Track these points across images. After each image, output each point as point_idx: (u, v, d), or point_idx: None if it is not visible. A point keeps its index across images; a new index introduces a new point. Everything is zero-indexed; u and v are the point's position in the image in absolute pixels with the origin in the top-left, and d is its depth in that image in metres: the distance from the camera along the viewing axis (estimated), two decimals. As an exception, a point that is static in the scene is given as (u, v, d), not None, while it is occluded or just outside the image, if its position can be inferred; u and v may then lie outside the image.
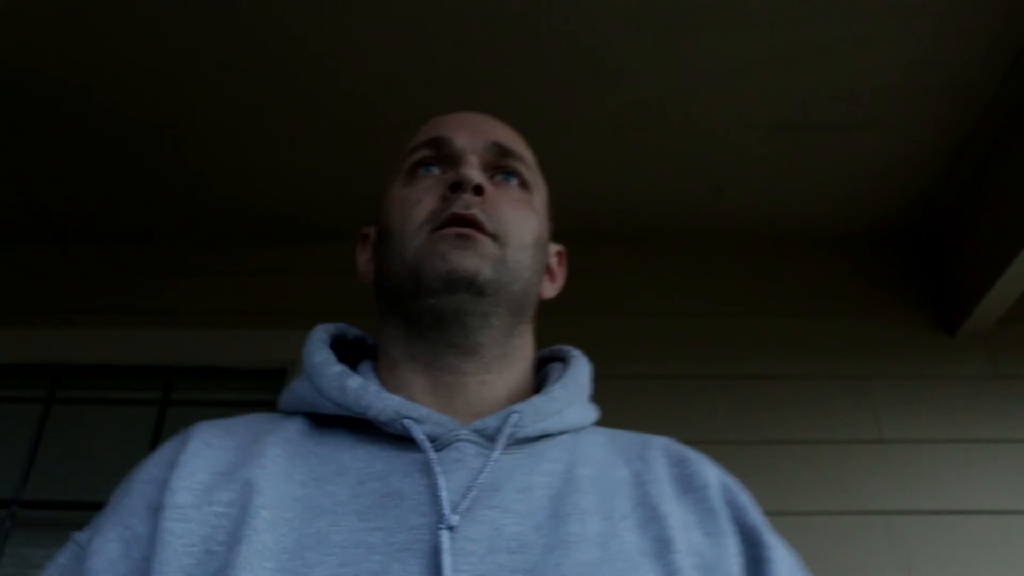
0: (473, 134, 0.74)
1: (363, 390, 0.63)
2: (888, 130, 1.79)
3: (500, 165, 0.74)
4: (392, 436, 0.61)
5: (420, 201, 0.70)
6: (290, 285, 2.12)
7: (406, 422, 0.60)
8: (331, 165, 1.97)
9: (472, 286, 0.65)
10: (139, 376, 2.06)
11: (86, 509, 1.90)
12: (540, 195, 0.77)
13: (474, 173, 0.69)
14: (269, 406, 2.44)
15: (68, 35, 1.64)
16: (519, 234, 0.70)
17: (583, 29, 1.58)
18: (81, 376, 2.09)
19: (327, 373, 0.67)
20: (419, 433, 0.60)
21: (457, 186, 0.69)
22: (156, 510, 0.56)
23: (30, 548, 1.88)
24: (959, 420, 1.80)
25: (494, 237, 0.68)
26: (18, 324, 2.10)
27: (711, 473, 0.66)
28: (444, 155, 0.73)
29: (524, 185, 0.75)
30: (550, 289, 0.78)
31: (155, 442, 1.97)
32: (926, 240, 2.08)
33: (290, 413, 0.70)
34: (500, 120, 0.79)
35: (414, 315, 0.68)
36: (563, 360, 0.74)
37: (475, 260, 0.66)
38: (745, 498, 0.65)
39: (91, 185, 2.06)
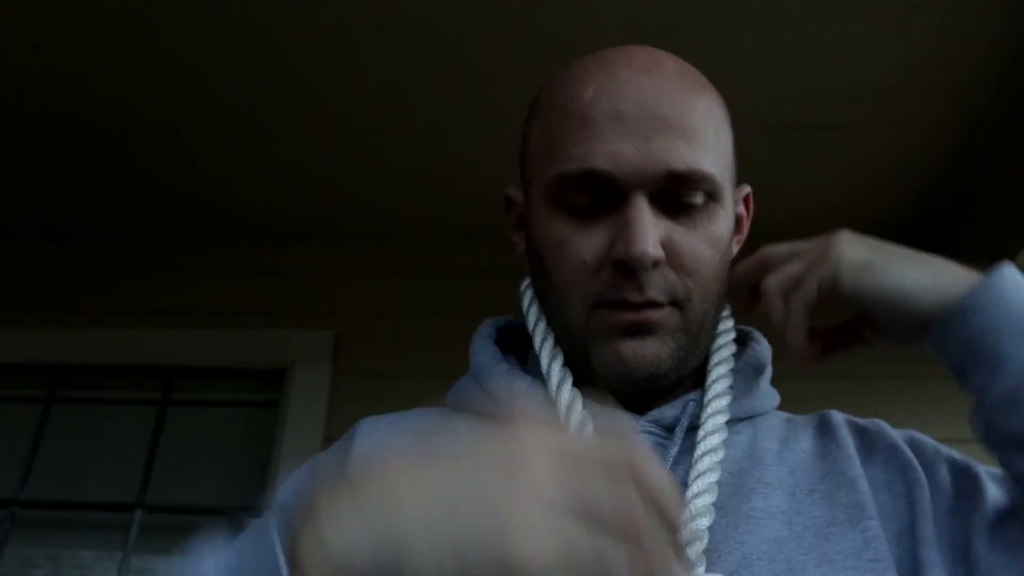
0: (641, 160, 0.58)
1: (533, 389, 0.61)
2: (888, 130, 1.79)
3: (680, 195, 0.60)
4: None
5: (584, 263, 0.59)
6: (290, 285, 2.12)
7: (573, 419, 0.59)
8: (331, 165, 1.97)
9: (652, 380, 0.60)
10: (139, 376, 2.06)
11: (86, 509, 1.91)
12: (727, 176, 0.64)
13: (647, 251, 0.57)
14: (269, 406, 2.44)
15: (68, 33, 1.64)
16: (702, 281, 0.61)
17: (583, 29, 1.58)
18: (81, 376, 2.09)
19: (494, 372, 0.64)
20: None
21: (625, 267, 0.58)
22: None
23: (30, 548, 1.88)
24: (959, 420, 1.79)
25: (672, 303, 0.60)
26: (18, 324, 2.10)
27: (895, 433, 0.65)
28: (604, 196, 0.59)
29: (710, 197, 0.61)
30: (735, 247, 0.69)
31: (155, 442, 1.97)
32: (926, 240, 2.07)
33: (459, 411, 0.66)
34: (679, 86, 0.62)
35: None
36: (743, 342, 0.68)
37: (652, 353, 0.59)
38: (931, 446, 0.65)
39: (91, 185, 2.07)
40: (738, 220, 0.70)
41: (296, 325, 2.04)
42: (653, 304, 0.59)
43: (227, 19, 1.59)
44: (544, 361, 0.63)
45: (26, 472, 1.95)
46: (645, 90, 0.60)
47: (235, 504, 1.85)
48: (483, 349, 0.67)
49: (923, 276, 0.56)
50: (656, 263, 0.58)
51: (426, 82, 1.72)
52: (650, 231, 0.57)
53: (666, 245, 0.59)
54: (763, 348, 0.67)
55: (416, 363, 1.91)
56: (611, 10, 1.54)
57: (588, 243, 0.60)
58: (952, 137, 1.79)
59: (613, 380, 0.60)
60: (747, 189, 0.72)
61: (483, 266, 2.10)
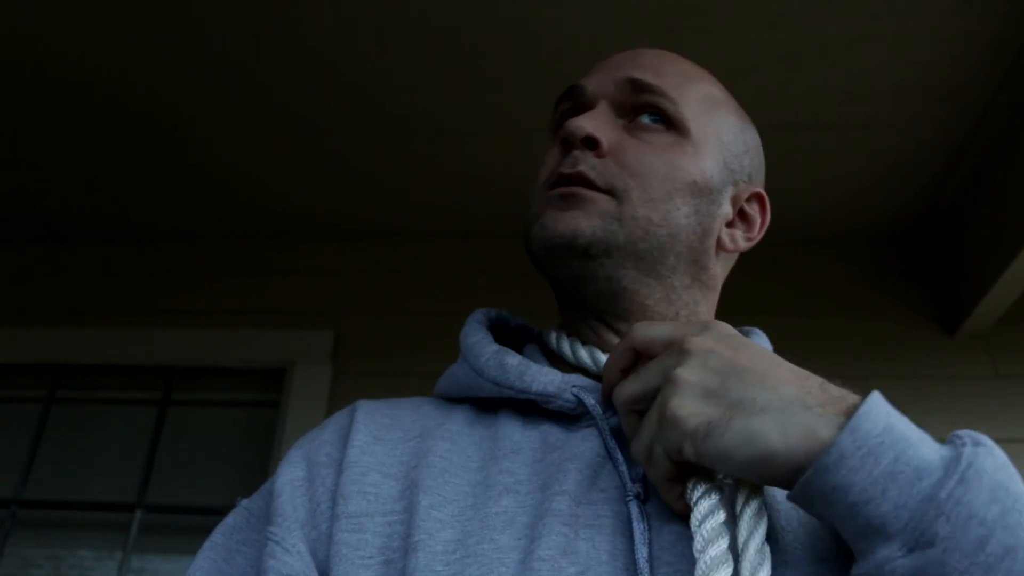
0: (609, 75, 0.67)
1: (524, 366, 0.60)
2: (888, 130, 1.79)
3: (640, 104, 0.65)
4: (561, 416, 0.58)
5: (544, 163, 0.67)
6: (290, 285, 2.12)
7: (574, 390, 0.57)
8: (332, 165, 1.97)
9: (573, 250, 0.60)
10: (139, 376, 2.06)
11: (86, 509, 1.91)
12: (703, 131, 0.66)
13: (581, 125, 0.62)
14: (269, 406, 2.44)
15: (68, 31, 1.64)
16: (646, 184, 0.62)
17: (583, 29, 1.58)
18: (81, 376, 2.09)
19: (484, 352, 0.63)
20: (589, 399, 0.57)
21: (567, 143, 0.64)
22: (333, 505, 0.54)
23: (30, 548, 1.88)
24: (959, 420, 1.80)
25: (609, 192, 0.61)
26: (18, 324, 2.10)
27: None
28: (579, 105, 0.68)
29: (671, 123, 0.65)
30: (740, 240, 0.68)
31: (155, 442, 1.97)
32: (926, 240, 2.07)
33: (452, 400, 0.66)
34: (667, 53, 0.71)
35: (552, 284, 0.66)
36: None
37: (571, 221, 0.60)
38: None
39: (91, 185, 2.07)
40: (744, 215, 0.69)
41: (296, 325, 2.04)
42: (585, 181, 0.62)
43: (230, 18, 1.59)
44: (552, 337, 0.66)
45: (26, 472, 1.95)
46: (634, 51, 0.70)
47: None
48: (473, 332, 0.66)
49: (771, 430, 0.44)
50: (591, 142, 0.63)
51: (428, 82, 1.72)
52: (592, 118, 0.64)
53: (613, 145, 0.63)
54: (760, 341, 0.67)
55: (416, 363, 1.91)
56: (613, 10, 1.54)
57: (553, 153, 0.67)
58: (952, 137, 1.79)
59: (540, 251, 0.62)
60: (758, 189, 0.71)
61: (483, 266, 2.10)
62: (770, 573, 0.46)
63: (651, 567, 0.48)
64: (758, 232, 0.70)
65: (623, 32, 1.58)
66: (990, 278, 1.76)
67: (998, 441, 0.52)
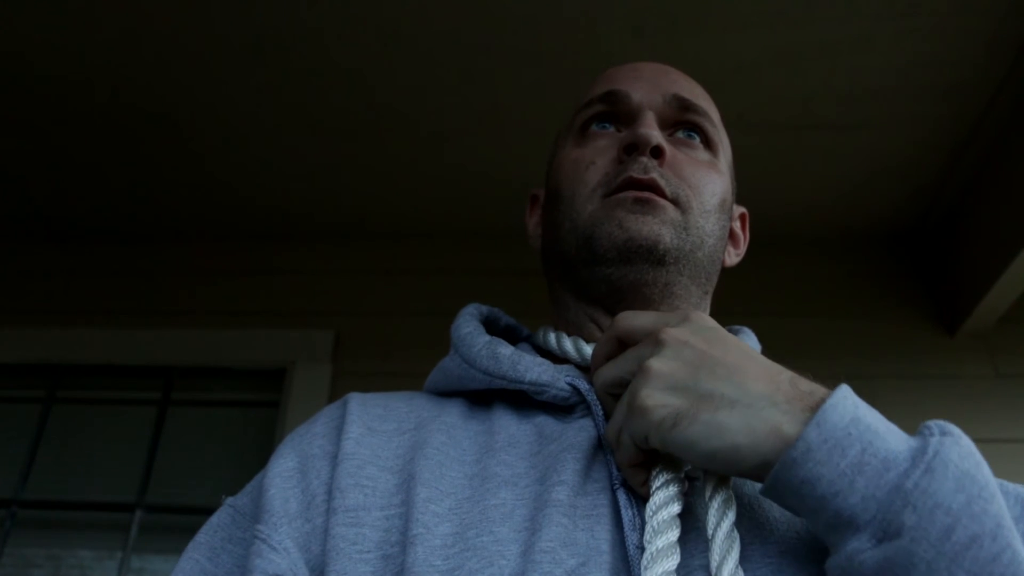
0: (652, 87, 0.69)
1: (517, 357, 0.60)
2: (888, 130, 1.79)
3: (682, 120, 0.69)
4: (553, 407, 0.58)
5: (593, 163, 0.66)
6: (290, 285, 2.12)
7: (567, 379, 0.58)
8: (332, 165, 1.97)
9: (652, 255, 0.61)
10: (139, 376, 2.06)
11: (86, 509, 1.91)
12: (725, 154, 0.71)
13: (652, 133, 0.64)
14: (269, 406, 2.43)
15: (70, 29, 1.64)
16: (702, 198, 0.65)
17: (586, 30, 1.58)
18: (81, 376, 2.09)
19: (477, 342, 0.63)
20: (584, 384, 0.57)
21: (633, 148, 0.64)
22: (330, 499, 0.53)
23: (30, 548, 1.88)
24: (959, 420, 1.78)
25: (674, 202, 0.63)
26: (18, 324, 2.10)
27: None
28: (620, 111, 0.68)
29: (708, 143, 0.69)
30: (732, 256, 0.74)
31: (155, 442, 1.97)
32: (926, 240, 2.08)
33: (444, 394, 0.65)
34: (682, 72, 0.74)
35: (586, 284, 0.64)
36: None
37: (655, 227, 0.61)
38: None
39: (92, 185, 2.07)
40: (733, 235, 0.74)
41: (296, 325, 2.04)
42: (656, 188, 0.62)
43: (234, 17, 1.59)
44: (551, 335, 0.66)
45: (26, 472, 1.95)
46: (660, 66, 0.72)
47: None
48: (466, 324, 0.66)
49: (737, 425, 0.45)
50: (658, 152, 0.64)
51: (429, 82, 1.72)
52: (654, 128, 0.65)
53: (668, 157, 0.65)
54: (749, 340, 0.67)
55: (416, 363, 1.90)
56: (613, 10, 1.54)
57: (599, 150, 0.67)
58: (952, 137, 1.79)
59: (615, 251, 0.61)
60: (743, 210, 0.77)
61: (483, 266, 2.10)
62: (738, 559, 0.46)
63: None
64: (743, 248, 0.75)
65: (624, 32, 1.58)
66: (990, 278, 1.76)
67: (998, 441, 0.52)
